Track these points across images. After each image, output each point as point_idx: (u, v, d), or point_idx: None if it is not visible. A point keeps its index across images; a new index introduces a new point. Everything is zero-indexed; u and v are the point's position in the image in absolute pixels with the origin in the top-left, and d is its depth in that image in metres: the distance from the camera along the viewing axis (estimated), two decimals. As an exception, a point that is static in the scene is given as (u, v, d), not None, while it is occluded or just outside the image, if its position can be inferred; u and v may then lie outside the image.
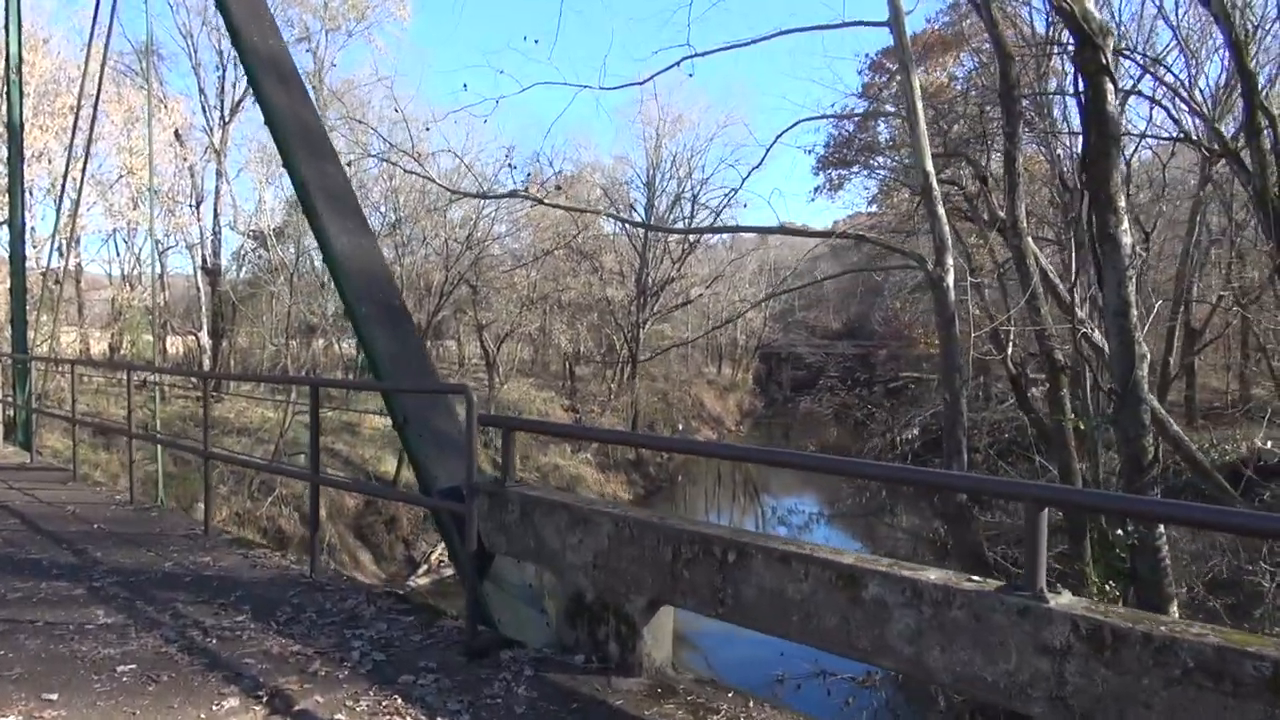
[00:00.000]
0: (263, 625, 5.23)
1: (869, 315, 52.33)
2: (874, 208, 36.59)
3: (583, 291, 34.65)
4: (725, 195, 26.40)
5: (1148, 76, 19.06)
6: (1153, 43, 21.05)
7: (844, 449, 36.34)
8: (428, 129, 14.25)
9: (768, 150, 15.64)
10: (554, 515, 4.92)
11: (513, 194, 14.02)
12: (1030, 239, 14.23)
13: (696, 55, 13.56)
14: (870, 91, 36.64)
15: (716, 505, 38.11)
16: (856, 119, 22.07)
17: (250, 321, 31.90)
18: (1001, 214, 16.37)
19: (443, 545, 29.94)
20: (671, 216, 39.51)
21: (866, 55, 36.75)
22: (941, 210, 12.73)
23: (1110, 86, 10.10)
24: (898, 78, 35.39)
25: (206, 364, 32.55)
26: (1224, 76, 22.23)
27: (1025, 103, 19.44)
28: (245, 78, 32.76)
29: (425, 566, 28.16)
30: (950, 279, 12.61)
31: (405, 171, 14.53)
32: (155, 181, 28.75)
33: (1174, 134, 18.86)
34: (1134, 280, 10.77)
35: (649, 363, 39.43)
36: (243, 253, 31.34)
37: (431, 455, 5.78)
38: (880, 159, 35.62)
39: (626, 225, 36.72)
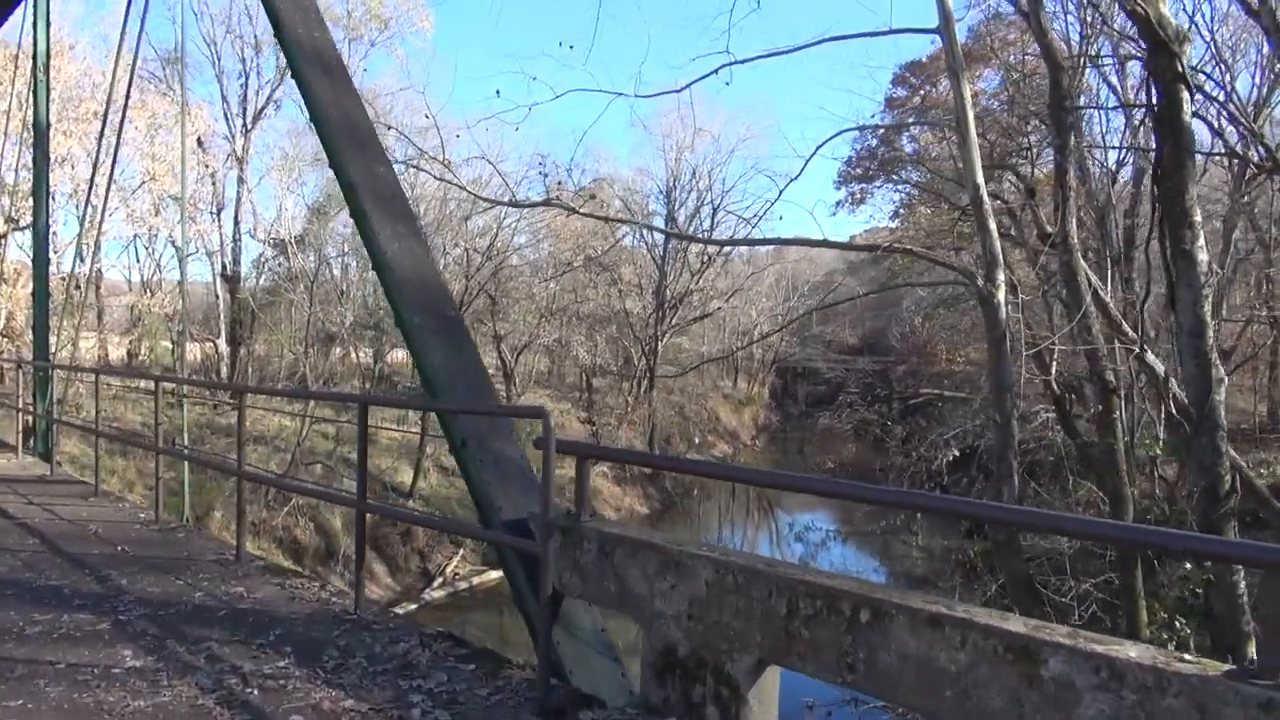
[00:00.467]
0: (308, 672, 4.65)
1: (886, 331, 51.69)
2: (895, 223, 36.09)
3: (601, 303, 34.10)
4: (763, 205, 25.86)
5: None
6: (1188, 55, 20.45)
7: (864, 466, 35.67)
8: (458, 136, 13.68)
9: (807, 161, 15.18)
10: (640, 557, 4.34)
11: (546, 203, 13.46)
12: (1079, 254, 13.63)
13: (736, 63, 12.96)
14: (895, 105, 36.18)
15: (730, 521, 37.48)
16: (896, 130, 21.37)
17: (268, 329, 31.43)
18: (1048, 228, 15.76)
19: (458, 558, 29.42)
20: (690, 228, 39.00)
21: (894, 68, 36.19)
22: (993, 224, 12.13)
23: (1186, 95, 9.52)
24: (943, 86, 34.96)
25: (224, 371, 32.09)
26: (1255, 92, 21.67)
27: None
28: (268, 86, 32.55)
29: (440, 579, 27.61)
30: (1001, 295, 11.99)
31: (435, 178, 13.96)
32: (177, 188, 28.37)
33: (1210, 147, 18.22)
34: (1209, 299, 10.14)
35: (665, 376, 38.90)
36: (262, 260, 30.91)
37: (494, 483, 5.21)
38: (903, 173, 35.18)
39: (646, 237, 36.25)
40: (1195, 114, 18.50)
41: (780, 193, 17.28)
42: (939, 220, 28.89)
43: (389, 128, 14.50)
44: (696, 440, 40.06)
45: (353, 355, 34.61)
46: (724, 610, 3.95)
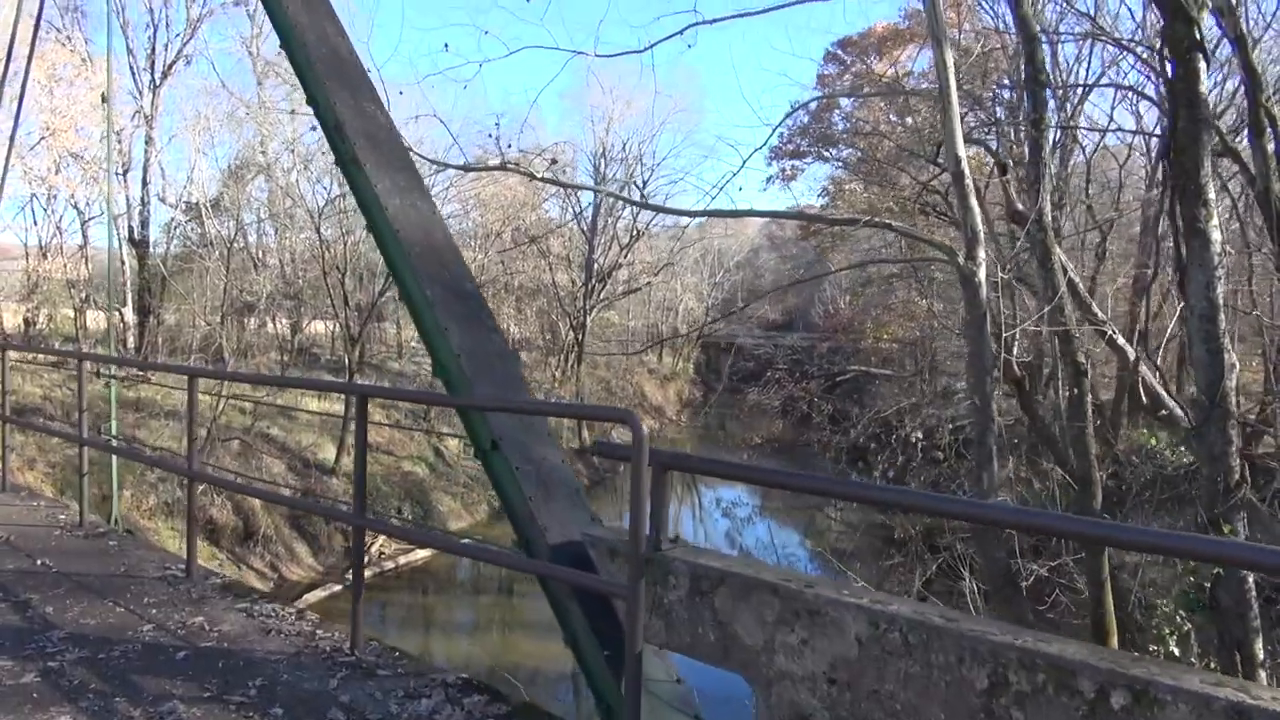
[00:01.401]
0: (313, 748, 3.55)
1: (808, 308, 51.47)
2: (824, 200, 35.59)
3: (531, 276, 32.80)
4: (723, 177, 25.03)
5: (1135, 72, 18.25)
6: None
7: (790, 442, 35.31)
8: (400, 93, 12.30)
9: (774, 129, 14.42)
10: (753, 600, 3.34)
11: (501, 167, 12.21)
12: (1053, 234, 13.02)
13: (703, 23, 11.92)
14: (826, 81, 35.59)
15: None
16: (879, 97, 20.45)
17: (179, 298, 29.32)
18: (1019, 206, 15.15)
19: (384, 537, 28.08)
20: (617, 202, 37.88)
21: (828, 45, 35.59)
22: (974, 199, 11.35)
23: (1203, 66, 8.88)
24: (873, 62, 34.42)
25: (131, 342, 29.89)
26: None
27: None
28: (178, 39, 30.22)
29: (366, 559, 26.26)
30: (983, 274, 11.26)
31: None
32: (79, 145, 26.08)
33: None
34: (1222, 281, 9.52)
35: (598, 354, 37.90)
36: (173, 225, 28.72)
37: (538, 498, 4.15)
38: (832, 151, 34.68)
39: (574, 208, 35.01)
40: (1141, 94, 18.25)
41: (745, 162, 16.30)
42: (875, 197, 28.33)
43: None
44: (623, 415, 39.08)
45: (270, 326, 32.70)
46: (885, 677, 2.99)
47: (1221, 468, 9.09)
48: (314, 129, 27.71)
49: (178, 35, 29.48)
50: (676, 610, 3.55)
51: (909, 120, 26.37)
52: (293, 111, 27.56)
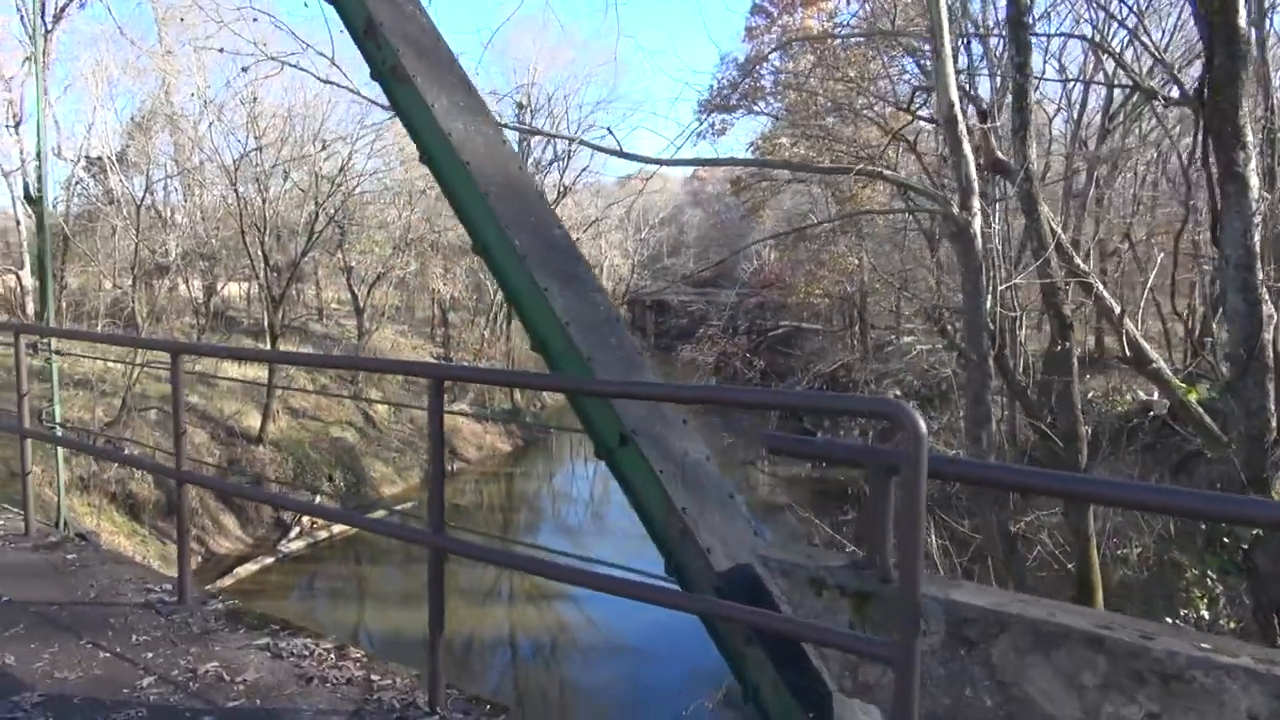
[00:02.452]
0: None
1: (734, 264, 50.84)
2: (752, 153, 34.66)
3: (460, 234, 31.16)
4: (687, 127, 23.72)
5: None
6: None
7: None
8: (342, 31, 10.90)
9: (743, 79, 13.49)
10: (1057, 654, 2.41)
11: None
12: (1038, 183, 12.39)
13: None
14: (754, 34, 34.62)
15: (585, 454, 35.82)
16: (862, 38, 19.39)
17: (84, 260, 27.00)
18: (999, 155, 14.43)
19: (322, 494, 26.62)
20: (545, 155, 36.42)
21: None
22: (968, 146, 10.61)
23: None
24: (798, 16, 33.47)
25: (30, 308, 27.47)
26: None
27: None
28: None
29: (297, 529, 24.88)
30: (978, 225, 10.59)
31: (319, 80, 11.18)
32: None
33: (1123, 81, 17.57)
34: (1260, 228, 8.92)
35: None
36: (73, 181, 26.28)
37: (692, 509, 3.14)
38: (763, 104, 33.75)
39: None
40: (1101, 47, 17.78)
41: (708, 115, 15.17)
42: (810, 150, 27.52)
43: (260, 12, 11.46)
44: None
45: (183, 288, 30.50)
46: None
47: (1259, 423, 8.54)
48: (232, 79, 25.56)
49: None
50: (929, 665, 2.60)
51: (850, 72, 25.57)
52: (220, 49, 25.40)
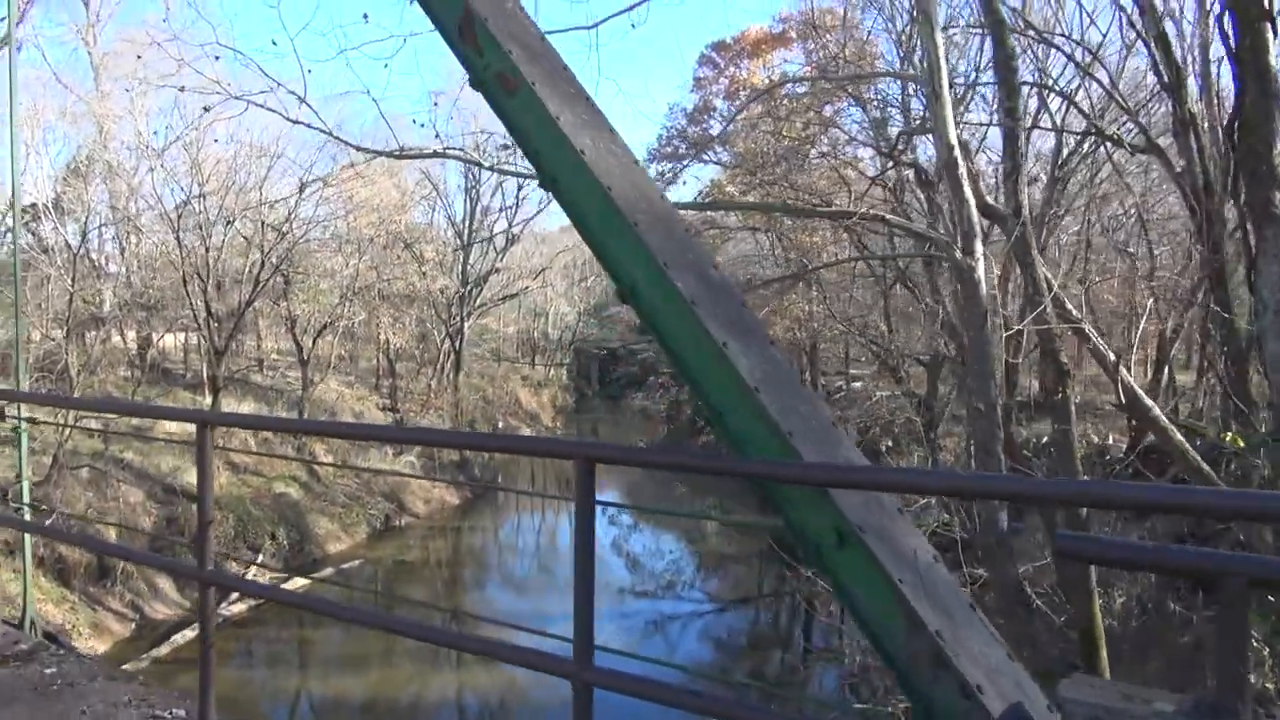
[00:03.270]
0: None
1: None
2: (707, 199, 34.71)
3: (409, 283, 30.55)
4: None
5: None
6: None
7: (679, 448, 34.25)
8: (309, 71, 10.34)
9: (734, 117, 13.20)
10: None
11: (442, 154, 10.50)
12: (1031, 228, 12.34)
13: (655, -1, 10.63)
14: (702, 84, 34.90)
15: (539, 507, 35.01)
16: (855, 81, 19.13)
17: (8, 310, 25.68)
18: (988, 199, 14.38)
19: (257, 565, 25.43)
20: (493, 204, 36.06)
21: (703, 48, 34.81)
22: (969, 189, 10.42)
23: (1271, 36, 8.17)
24: (744, 67, 33.80)
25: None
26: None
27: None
28: (2, 23, 26.47)
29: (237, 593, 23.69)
30: (981, 270, 10.36)
31: (288, 121, 10.64)
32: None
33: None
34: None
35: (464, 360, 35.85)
36: (3, 229, 25.13)
37: (945, 628, 2.50)
38: (710, 154, 33.87)
39: (447, 213, 32.88)
40: (1065, 95, 18.02)
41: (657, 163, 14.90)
42: (769, 195, 27.49)
43: (229, 49, 10.92)
44: (500, 424, 37.24)
45: (117, 339, 29.24)
46: None
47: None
48: (173, 124, 24.75)
49: (2, 19, 25.83)
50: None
51: (797, 123, 25.73)
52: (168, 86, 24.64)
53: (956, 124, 12.46)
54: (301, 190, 19.26)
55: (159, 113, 26.17)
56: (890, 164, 18.25)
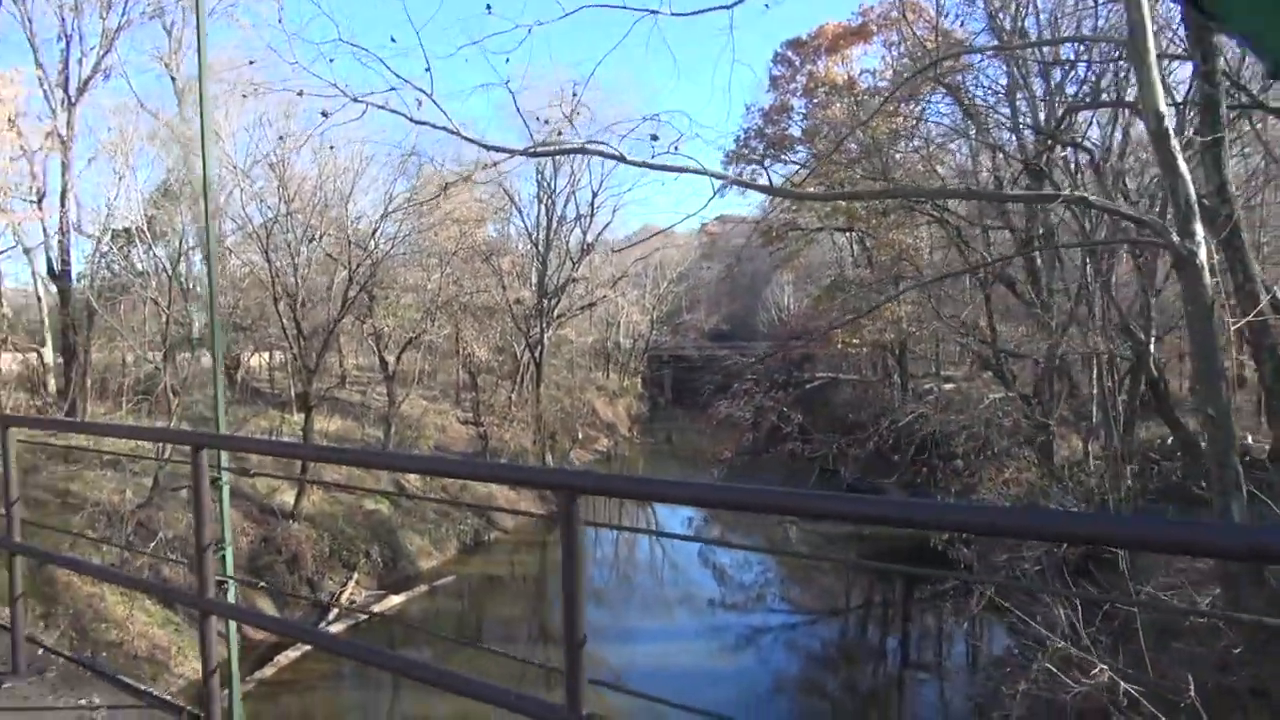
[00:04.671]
0: None
1: (748, 314, 49.90)
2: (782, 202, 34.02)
3: (491, 295, 30.32)
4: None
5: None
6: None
7: (761, 453, 33.41)
8: (428, 70, 9.85)
9: (883, 102, 12.55)
10: None
11: (581, 149, 9.99)
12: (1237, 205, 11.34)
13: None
14: (778, 83, 34.22)
15: (617, 513, 34.48)
16: (1052, 45, 17.61)
17: (106, 335, 25.90)
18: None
19: (353, 583, 25.22)
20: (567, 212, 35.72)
21: (777, 47, 34.14)
22: (1183, 164, 9.30)
23: None
24: (820, 64, 33.05)
25: (53, 385, 26.32)
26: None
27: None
28: (93, 52, 26.75)
29: (335, 611, 23.52)
30: (1203, 254, 9.22)
31: (414, 124, 10.17)
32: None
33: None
34: None
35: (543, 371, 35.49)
36: (99, 254, 25.34)
37: None
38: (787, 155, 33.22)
39: (521, 224, 32.53)
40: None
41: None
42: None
43: (355, 45, 10.48)
44: (579, 435, 36.90)
45: (204, 361, 29.36)
46: None
47: None
48: (258, 143, 24.69)
49: (92, 48, 26.17)
50: None
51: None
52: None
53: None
54: (446, 189, 18.82)
55: (244, 132, 26.22)
56: (1047, 145, 16.86)
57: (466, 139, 10.91)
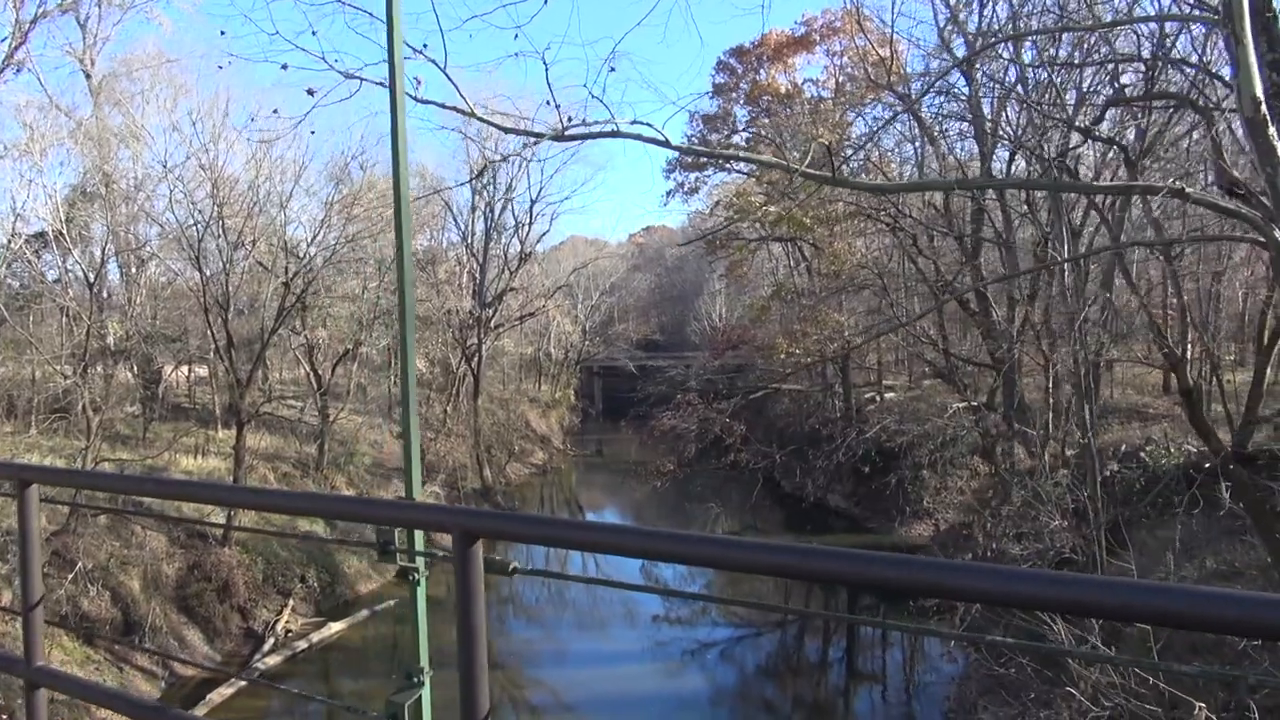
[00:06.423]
0: None
1: (679, 324, 49.27)
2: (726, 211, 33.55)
3: (429, 305, 29.01)
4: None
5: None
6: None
7: (705, 467, 32.87)
8: (425, 46, 8.79)
9: (923, 93, 11.99)
10: None
11: (617, 133, 9.05)
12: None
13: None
14: (721, 90, 33.83)
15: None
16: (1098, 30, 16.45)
17: (14, 346, 23.77)
18: (1235, 173, 12.76)
19: (289, 610, 23.65)
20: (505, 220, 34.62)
21: (720, 54, 33.71)
22: (1284, 149, 8.67)
23: None
24: (761, 74, 32.71)
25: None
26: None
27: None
28: (3, 44, 24.61)
29: (272, 640, 22.05)
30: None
31: (418, 103, 9.12)
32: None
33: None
34: None
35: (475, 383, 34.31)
36: (6, 261, 23.19)
37: None
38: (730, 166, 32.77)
39: (458, 230, 31.32)
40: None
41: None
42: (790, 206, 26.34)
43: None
44: (516, 449, 35.72)
45: (122, 375, 27.29)
46: None
47: None
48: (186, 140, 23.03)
49: (3, 40, 24.10)
50: None
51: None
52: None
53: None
54: (480, 174, 17.59)
55: (160, 130, 24.48)
56: (1081, 142, 16.10)
57: (486, 122, 9.97)
